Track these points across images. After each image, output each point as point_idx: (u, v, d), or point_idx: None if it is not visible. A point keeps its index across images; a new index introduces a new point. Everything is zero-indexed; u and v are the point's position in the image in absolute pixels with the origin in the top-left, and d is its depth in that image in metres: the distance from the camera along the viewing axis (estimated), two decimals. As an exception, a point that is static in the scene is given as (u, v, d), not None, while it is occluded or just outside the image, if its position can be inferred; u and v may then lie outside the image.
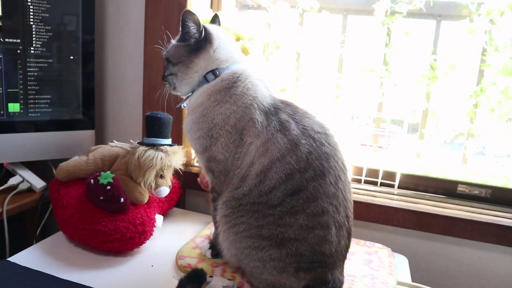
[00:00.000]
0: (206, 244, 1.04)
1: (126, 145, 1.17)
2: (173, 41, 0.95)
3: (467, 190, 1.34)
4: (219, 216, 0.91)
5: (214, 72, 0.93)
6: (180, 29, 0.91)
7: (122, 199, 1.02)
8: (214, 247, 1.01)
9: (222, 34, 0.96)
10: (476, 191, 1.33)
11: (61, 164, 1.15)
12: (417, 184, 1.38)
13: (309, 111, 0.94)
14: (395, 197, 1.34)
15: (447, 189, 1.35)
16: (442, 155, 1.53)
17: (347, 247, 0.89)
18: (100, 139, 1.48)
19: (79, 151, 1.31)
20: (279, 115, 0.89)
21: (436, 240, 1.24)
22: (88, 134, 1.39)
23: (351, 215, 0.89)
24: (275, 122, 0.88)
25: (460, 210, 1.25)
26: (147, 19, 1.36)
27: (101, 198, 1.02)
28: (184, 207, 1.44)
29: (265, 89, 0.94)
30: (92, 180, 1.04)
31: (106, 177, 1.03)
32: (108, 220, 1.00)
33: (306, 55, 1.51)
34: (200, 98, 0.93)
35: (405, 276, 1.07)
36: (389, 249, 1.15)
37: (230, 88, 0.91)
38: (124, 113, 1.49)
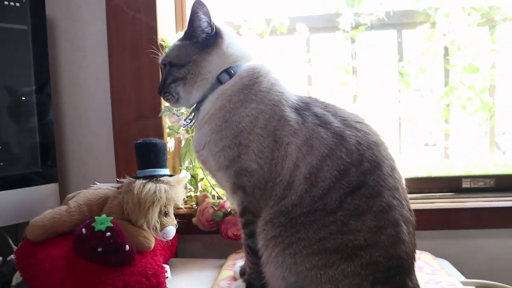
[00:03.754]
0: (240, 284, 0.84)
1: (113, 185, 0.96)
2: (176, 42, 0.81)
3: (471, 184, 1.31)
4: (264, 240, 0.75)
5: (228, 72, 0.81)
6: (188, 24, 0.78)
7: (127, 247, 0.80)
8: (252, 284, 0.82)
9: (229, 29, 0.85)
10: (480, 183, 1.30)
11: (33, 221, 0.88)
12: (420, 187, 1.32)
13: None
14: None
15: (451, 186, 1.31)
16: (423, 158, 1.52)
17: (415, 245, 0.77)
18: (64, 195, 1.21)
19: (41, 211, 1.04)
20: (312, 109, 0.79)
21: (464, 236, 1.17)
22: (50, 189, 1.13)
23: (411, 208, 0.78)
24: (311, 116, 0.77)
25: (480, 201, 1.21)
26: (111, 47, 1.19)
27: (100, 249, 0.79)
28: (176, 256, 1.20)
29: (288, 85, 0.83)
30: (84, 230, 0.81)
31: (103, 222, 0.81)
32: (114, 276, 0.78)
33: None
34: (219, 102, 0.79)
35: (459, 277, 0.96)
36: (428, 252, 1.05)
37: (253, 85, 0.79)
38: (89, 161, 1.27)
